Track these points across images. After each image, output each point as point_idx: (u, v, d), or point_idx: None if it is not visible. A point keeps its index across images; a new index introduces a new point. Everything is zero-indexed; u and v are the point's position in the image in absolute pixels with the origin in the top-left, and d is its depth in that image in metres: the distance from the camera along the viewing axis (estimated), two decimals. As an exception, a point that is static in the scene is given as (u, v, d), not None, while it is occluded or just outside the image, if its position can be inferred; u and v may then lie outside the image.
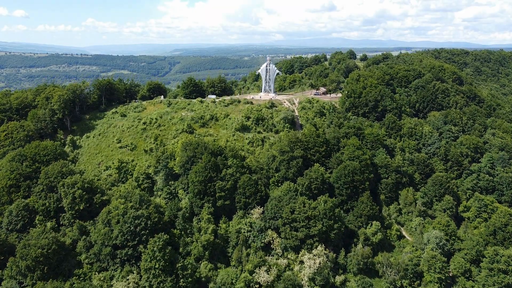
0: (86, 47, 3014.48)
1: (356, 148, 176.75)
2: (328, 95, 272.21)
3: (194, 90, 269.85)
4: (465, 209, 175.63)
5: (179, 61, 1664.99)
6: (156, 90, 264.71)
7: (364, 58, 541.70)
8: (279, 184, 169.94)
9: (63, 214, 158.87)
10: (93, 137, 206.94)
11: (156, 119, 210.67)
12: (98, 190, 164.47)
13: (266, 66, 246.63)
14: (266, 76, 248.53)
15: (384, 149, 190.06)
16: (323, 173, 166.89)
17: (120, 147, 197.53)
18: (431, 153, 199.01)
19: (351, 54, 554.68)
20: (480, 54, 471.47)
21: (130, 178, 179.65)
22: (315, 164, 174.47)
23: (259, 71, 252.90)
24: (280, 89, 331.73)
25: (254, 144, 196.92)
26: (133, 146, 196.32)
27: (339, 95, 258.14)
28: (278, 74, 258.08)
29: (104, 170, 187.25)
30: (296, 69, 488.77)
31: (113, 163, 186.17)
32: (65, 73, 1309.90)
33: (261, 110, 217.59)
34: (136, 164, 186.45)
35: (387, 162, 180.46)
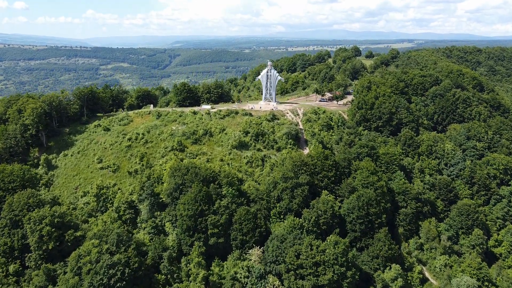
0: (87, 39, 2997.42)
1: (370, 173, 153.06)
2: (335, 102, 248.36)
3: (188, 96, 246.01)
4: (496, 243, 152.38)
5: (179, 53, 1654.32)
6: (146, 98, 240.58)
7: (370, 55, 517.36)
8: (282, 216, 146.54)
9: (29, 254, 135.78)
10: (71, 155, 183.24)
11: (143, 134, 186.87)
12: (72, 224, 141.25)
13: (267, 72, 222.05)
14: (266, 83, 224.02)
15: (402, 171, 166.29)
16: (333, 205, 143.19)
17: (101, 168, 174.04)
18: (454, 175, 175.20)
19: (356, 51, 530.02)
20: (494, 52, 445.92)
21: (110, 207, 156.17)
22: (323, 191, 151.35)
23: (259, 77, 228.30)
24: (282, 91, 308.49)
25: (253, 164, 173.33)
26: (115, 167, 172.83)
27: (348, 104, 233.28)
28: (280, 80, 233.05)
29: (81, 197, 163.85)
30: (299, 67, 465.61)
31: (92, 188, 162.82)
32: (64, 66, 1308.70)
33: (261, 123, 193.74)
34: (118, 189, 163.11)
35: (405, 188, 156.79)
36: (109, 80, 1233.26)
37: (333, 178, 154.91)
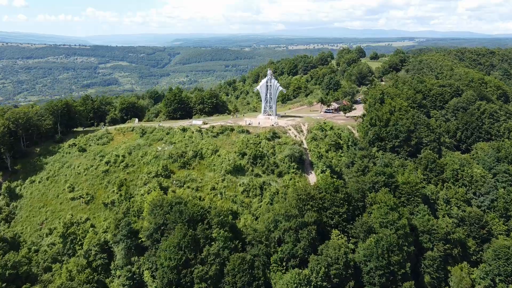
0: (87, 37, 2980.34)
1: (390, 209, 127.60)
2: (342, 113, 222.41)
3: (179, 107, 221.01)
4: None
5: (179, 52, 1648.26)
6: (130, 111, 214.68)
7: (374, 57, 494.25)
8: (284, 264, 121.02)
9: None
10: (39, 182, 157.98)
11: (123, 156, 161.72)
12: (30, 274, 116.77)
13: (267, 82, 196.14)
14: (266, 95, 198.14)
15: (425, 204, 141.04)
16: (347, 250, 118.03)
17: (72, 199, 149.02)
18: (485, 206, 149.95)
19: (360, 52, 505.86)
20: (507, 54, 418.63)
21: (79, 249, 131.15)
22: (333, 231, 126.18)
23: (258, 87, 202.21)
24: (282, 99, 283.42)
25: (250, 194, 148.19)
26: (89, 197, 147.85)
27: (358, 118, 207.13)
28: (281, 91, 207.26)
29: (46, 235, 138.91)
30: (300, 70, 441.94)
31: (60, 224, 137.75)
32: (63, 65, 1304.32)
33: (260, 142, 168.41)
34: (91, 226, 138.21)
35: (431, 226, 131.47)
36: (108, 79, 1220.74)
37: (345, 216, 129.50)
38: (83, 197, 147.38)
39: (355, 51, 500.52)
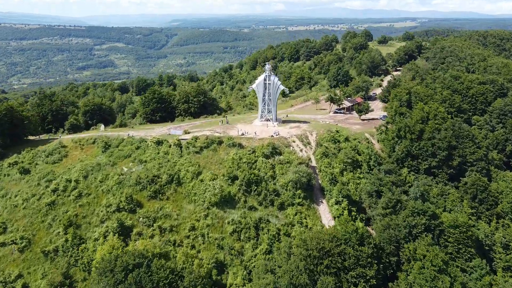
0: (84, 17, 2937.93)
1: (438, 271, 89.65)
2: (355, 113, 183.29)
3: (159, 107, 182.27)
4: None
5: (176, 33, 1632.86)
6: (96, 114, 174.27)
7: (383, 41, 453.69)
8: None
9: None
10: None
11: (76, 181, 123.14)
12: None
13: (264, 80, 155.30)
14: (264, 95, 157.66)
15: (479, 253, 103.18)
16: None
17: (3, 244, 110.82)
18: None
19: (368, 35, 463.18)
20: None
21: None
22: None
23: (254, 86, 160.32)
24: (283, 94, 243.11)
25: (243, 236, 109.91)
26: (25, 243, 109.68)
27: (377, 121, 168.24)
28: (283, 90, 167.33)
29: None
30: (302, 56, 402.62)
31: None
32: (58, 46, 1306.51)
33: (256, 161, 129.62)
34: (23, 286, 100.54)
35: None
36: (104, 61, 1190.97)
37: (374, 281, 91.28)
38: (16, 243, 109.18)
39: (362, 34, 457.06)
